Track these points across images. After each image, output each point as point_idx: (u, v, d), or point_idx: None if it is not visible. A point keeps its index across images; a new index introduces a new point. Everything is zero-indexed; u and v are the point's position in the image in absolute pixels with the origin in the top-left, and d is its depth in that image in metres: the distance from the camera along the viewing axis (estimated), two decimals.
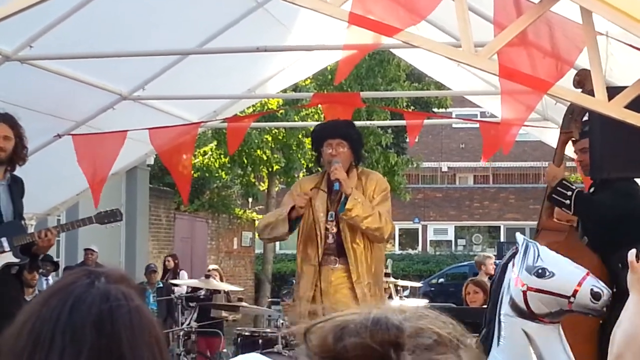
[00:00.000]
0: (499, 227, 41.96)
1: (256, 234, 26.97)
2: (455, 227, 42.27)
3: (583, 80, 5.61)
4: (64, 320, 1.56)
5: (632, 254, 3.35)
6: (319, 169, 7.15)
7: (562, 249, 6.13)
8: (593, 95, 4.89)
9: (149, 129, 8.65)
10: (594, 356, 5.49)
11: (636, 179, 6.39)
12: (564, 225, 6.44)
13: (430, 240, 42.18)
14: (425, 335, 1.29)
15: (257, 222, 27.14)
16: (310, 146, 12.55)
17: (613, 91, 4.96)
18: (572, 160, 7.07)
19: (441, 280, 31.28)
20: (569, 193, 6.13)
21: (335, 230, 6.82)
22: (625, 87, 4.95)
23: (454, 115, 26.01)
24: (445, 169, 44.56)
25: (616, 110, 4.82)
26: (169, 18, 7.86)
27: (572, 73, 5.73)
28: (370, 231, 6.68)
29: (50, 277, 12.96)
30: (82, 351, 1.54)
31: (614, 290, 5.15)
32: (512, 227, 41.27)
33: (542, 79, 5.24)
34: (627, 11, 4.51)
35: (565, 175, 6.40)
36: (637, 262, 3.32)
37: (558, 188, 6.19)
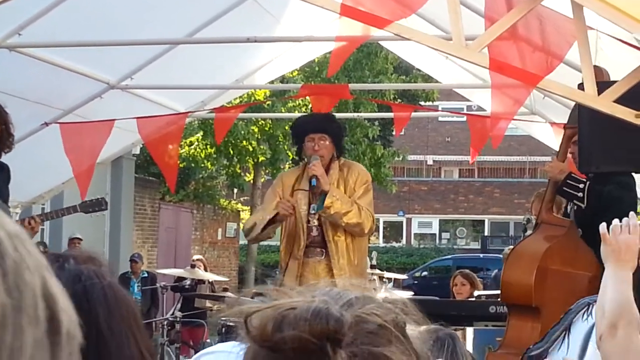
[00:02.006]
0: (484, 221, 42.05)
1: (241, 225, 26.98)
2: (439, 220, 42.34)
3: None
4: None
5: (602, 227, 3.39)
6: (301, 161, 7.13)
7: (561, 243, 6.17)
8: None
9: (137, 118, 8.63)
10: None
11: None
12: (564, 220, 6.45)
13: (415, 233, 42.24)
14: (368, 322, 1.28)
15: (242, 214, 27.14)
16: None
17: (602, 86, 4.98)
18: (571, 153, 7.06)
19: (425, 273, 31.34)
20: (581, 186, 6.13)
21: (316, 223, 6.83)
22: (614, 82, 4.97)
23: (440, 109, 26.00)
24: (430, 162, 44.62)
25: (605, 104, 4.84)
26: (158, 8, 7.83)
27: (563, 67, 5.73)
28: (350, 227, 6.70)
29: None
30: None
31: None
32: (497, 221, 41.42)
33: (532, 73, 5.26)
34: (617, 5, 4.52)
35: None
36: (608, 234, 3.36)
37: (568, 181, 6.18)
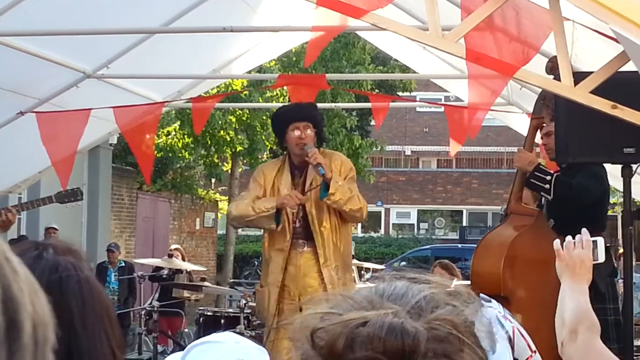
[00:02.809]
0: (462, 211, 42.18)
1: (219, 215, 26.93)
2: (418, 210, 42.45)
3: (556, 67, 5.64)
4: None
5: (557, 243, 3.49)
6: (283, 151, 7.11)
7: (530, 232, 6.20)
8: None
9: (114, 107, 8.60)
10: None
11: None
12: (532, 209, 6.48)
13: (393, 224, 42.33)
14: (440, 330, 1.23)
15: (220, 204, 27.09)
16: None
17: (579, 76, 4.99)
18: (537, 145, 7.11)
19: (403, 263, 31.39)
20: (548, 177, 6.17)
21: (301, 214, 6.82)
22: (591, 73, 4.98)
23: (418, 99, 26.03)
24: (408, 152, 44.71)
25: (582, 95, 4.84)
26: None
27: (539, 58, 5.74)
28: (352, 213, 6.71)
29: None
30: None
31: None
32: (475, 212, 41.55)
33: (508, 63, 5.26)
34: None
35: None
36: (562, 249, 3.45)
37: (536, 173, 6.21)
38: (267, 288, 6.81)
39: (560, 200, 6.18)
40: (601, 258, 3.55)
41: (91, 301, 1.62)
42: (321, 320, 1.25)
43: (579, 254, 3.40)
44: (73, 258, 1.66)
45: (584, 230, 3.52)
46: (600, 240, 3.55)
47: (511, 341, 3.68)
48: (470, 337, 1.26)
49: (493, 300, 3.94)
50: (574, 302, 3.28)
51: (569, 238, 3.46)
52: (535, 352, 3.79)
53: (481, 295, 3.84)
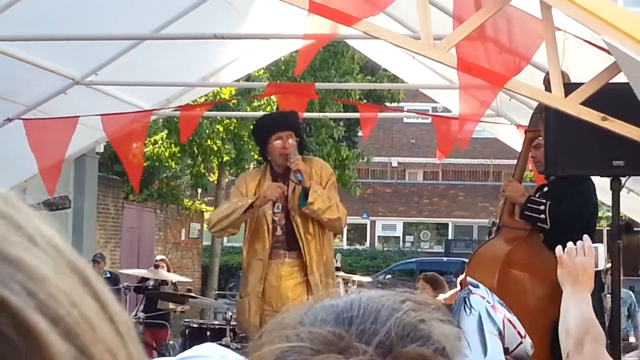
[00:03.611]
0: (447, 224, 42.20)
1: (204, 226, 26.84)
2: (403, 223, 42.45)
3: None
4: None
5: (559, 250, 3.46)
6: (265, 159, 7.08)
7: (523, 247, 6.19)
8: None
9: (102, 115, 8.56)
10: (547, 354, 5.50)
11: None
12: (525, 223, 6.47)
13: (379, 236, 42.32)
14: None
15: (205, 214, 27.01)
16: None
17: (570, 87, 4.99)
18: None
19: (388, 276, 31.36)
20: (542, 207, 6.16)
21: (284, 222, 6.79)
22: (581, 84, 4.98)
23: (405, 110, 26.04)
24: (395, 164, 44.71)
25: (573, 106, 4.84)
26: (125, 3, 7.78)
27: (529, 69, 5.74)
28: (330, 222, 6.67)
29: None
30: None
31: None
32: (461, 225, 41.59)
33: (499, 73, 5.26)
34: (586, 7, 4.52)
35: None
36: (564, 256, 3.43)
37: (529, 205, 6.21)
38: (247, 299, 6.77)
39: (557, 228, 6.17)
40: (601, 265, 3.53)
41: None
42: (281, 356, 1.16)
43: (581, 261, 3.37)
44: None
45: (585, 236, 3.49)
46: (600, 247, 3.52)
47: (501, 334, 3.67)
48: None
49: (481, 286, 3.91)
50: (578, 312, 3.24)
51: (570, 244, 3.43)
52: (525, 336, 3.78)
53: (469, 279, 3.82)
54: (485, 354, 3.63)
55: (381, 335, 1.15)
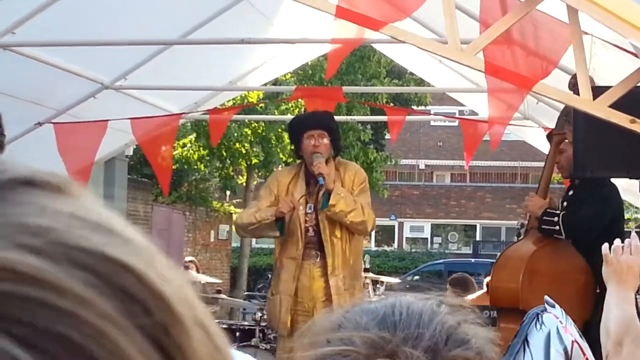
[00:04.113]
0: (475, 225, 42.09)
1: (233, 227, 26.89)
2: (431, 224, 42.36)
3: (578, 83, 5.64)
4: None
5: (605, 247, 3.41)
6: (298, 161, 7.09)
7: (549, 248, 6.19)
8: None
9: (131, 118, 8.62)
10: None
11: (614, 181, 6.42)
12: None
13: (407, 238, 42.25)
14: None
15: (234, 216, 27.08)
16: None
17: (597, 90, 4.98)
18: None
19: (416, 277, 31.32)
20: (555, 219, 6.16)
21: (314, 222, 6.80)
22: (609, 87, 4.97)
23: (432, 113, 26.01)
24: (422, 166, 44.65)
25: (601, 109, 4.84)
26: (153, 8, 7.82)
27: (557, 72, 5.73)
28: (354, 225, 6.66)
29: None
30: None
31: (598, 291, 5.18)
32: (488, 226, 41.45)
33: (527, 77, 5.26)
34: (613, 10, 4.52)
35: (552, 200, 6.43)
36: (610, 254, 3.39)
37: (544, 218, 6.21)
38: (279, 296, 6.78)
39: (573, 237, 6.16)
40: None
41: None
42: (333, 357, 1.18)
43: (626, 259, 3.34)
44: None
45: (633, 234, 3.46)
46: None
47: (567, 355, 3.64)
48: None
49: (557, 306, 3.89)
50: (619, 311, 3.21)
51: (617, 242, 3.40)
52: None
53: (546, 298, 3.79)
54: None
55: (427, 339, 1.17)
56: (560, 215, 6.15)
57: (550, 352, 3.66)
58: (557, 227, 6.13)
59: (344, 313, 1.24)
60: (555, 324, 3.74)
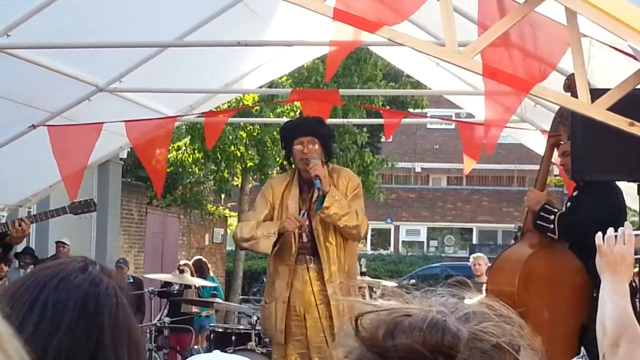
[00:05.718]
0: (472, 229, 42.06)
1: (228, 231, 26.86)
2: (427, 228, 42.33)
3: (573, 85, 5.59)
4: (47, 292, 1.56)
5: (599, 237, 3.35)
6: (292, 166, 7.07)
7: (546, 250, 6.15)
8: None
9: (125, 121, 8.58)
10: (573, 355, 5.47)
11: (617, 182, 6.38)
12: None
13: (403, 241, 42.22)
14: (484, 341, 1.22)
15: (229, 219, 27.04)
16: None
17: (596, 93, 4.95)
18: (554, 163, 7.05)
19: (412, 281, 31.28)
20: (551, 217, 6.11)
21: (307, 229, 6.76)
22: (608, 90, 4.94)
23: (429, 115, 25.98)
24: (418, 169, 44.63)
25: (599, 112, 4.80)
26: (148, 10, 7.79)
27: (555, 75, 5.71)
28: (347, 229, 6.63)
29: (28, 270, 12.80)
30: (60, 326, 1.53)
31: (595, 294, 5.12)
32: (485, 230, 41.43)
33: (525, 79, 5.23)
34: (611, 12, 4.49)
35: (549, 199, 6.37)
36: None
37: (541, 214, 6.16)
38: (274, 304, 6.75)
39: (566, 237, 6.11)
40: None
41: (124, 325, 1.61)
42: (367, 307, 1.26)
43: (620, 249, 3.27)
44: (117, 285, 1.66)
45: (627, 223, 3.40)
46: None
47: None
48: (510, 356, 1.24)
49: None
50: (614, 308, 3.13)
51: (610, 231, 3.34)
52: None
53: (582, 350, 3.65)
54: None
55: (461, 312, 1.28)
56: (557, 215, 6.11)
57: None
58: (552, 226, 6.08)
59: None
60: None
